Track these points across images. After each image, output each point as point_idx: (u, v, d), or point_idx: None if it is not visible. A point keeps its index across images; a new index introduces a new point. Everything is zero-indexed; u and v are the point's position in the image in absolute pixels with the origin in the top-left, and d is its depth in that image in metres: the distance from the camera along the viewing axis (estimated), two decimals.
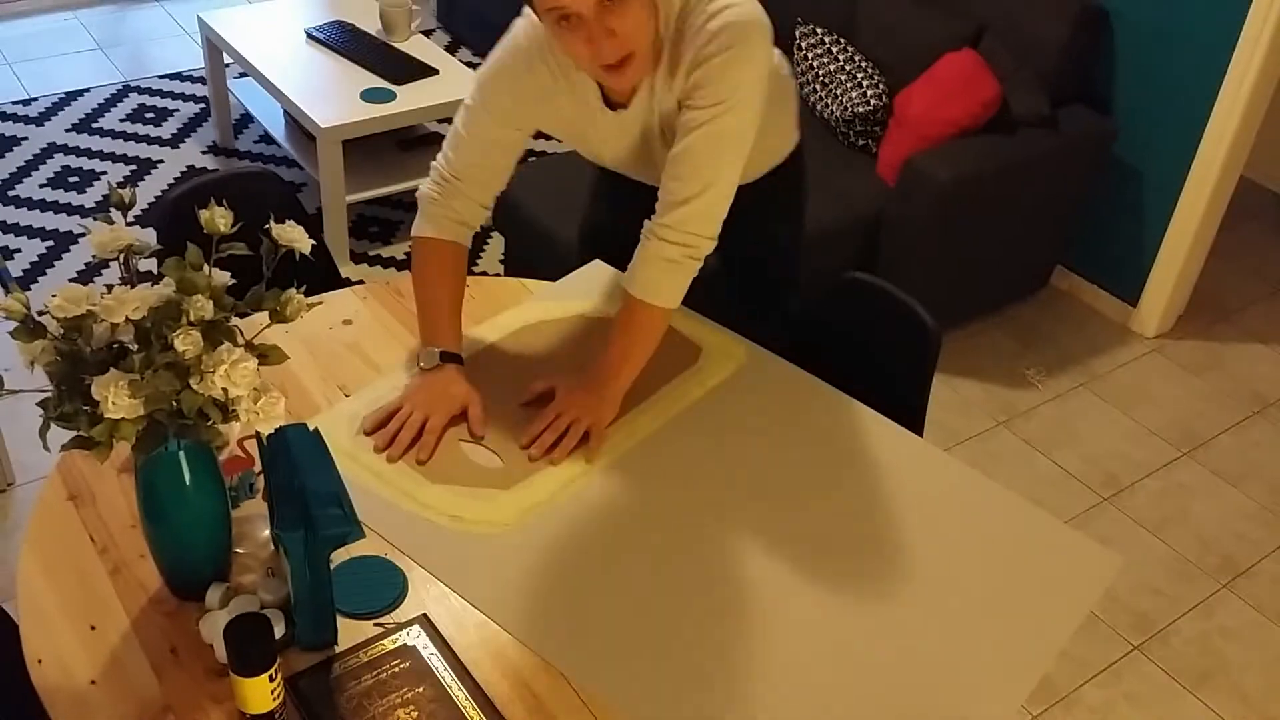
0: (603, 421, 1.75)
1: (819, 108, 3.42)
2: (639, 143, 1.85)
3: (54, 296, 1.24)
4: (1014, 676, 1.46)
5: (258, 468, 1.60)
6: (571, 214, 2.66)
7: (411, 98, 3.50)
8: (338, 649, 1.40)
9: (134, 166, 3.91)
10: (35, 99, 4.24)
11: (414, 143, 3.75)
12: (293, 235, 1.37)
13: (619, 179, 2.02)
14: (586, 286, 2.08)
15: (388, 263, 3.58)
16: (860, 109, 3.28)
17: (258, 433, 1.48)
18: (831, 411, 1.85)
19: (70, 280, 3.34)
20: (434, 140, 3.78)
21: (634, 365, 1.79)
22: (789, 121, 2.04)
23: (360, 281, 2.21)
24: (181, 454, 1.35)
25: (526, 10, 1.72)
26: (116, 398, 1.20)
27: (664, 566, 1.56)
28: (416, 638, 1.42)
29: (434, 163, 1.89)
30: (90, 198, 3.73)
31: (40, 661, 1.36)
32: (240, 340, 1.29)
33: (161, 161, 3.95)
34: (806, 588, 1.55)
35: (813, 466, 1.74)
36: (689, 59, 1.69)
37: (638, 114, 1.79)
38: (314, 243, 1.41)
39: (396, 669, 1.38)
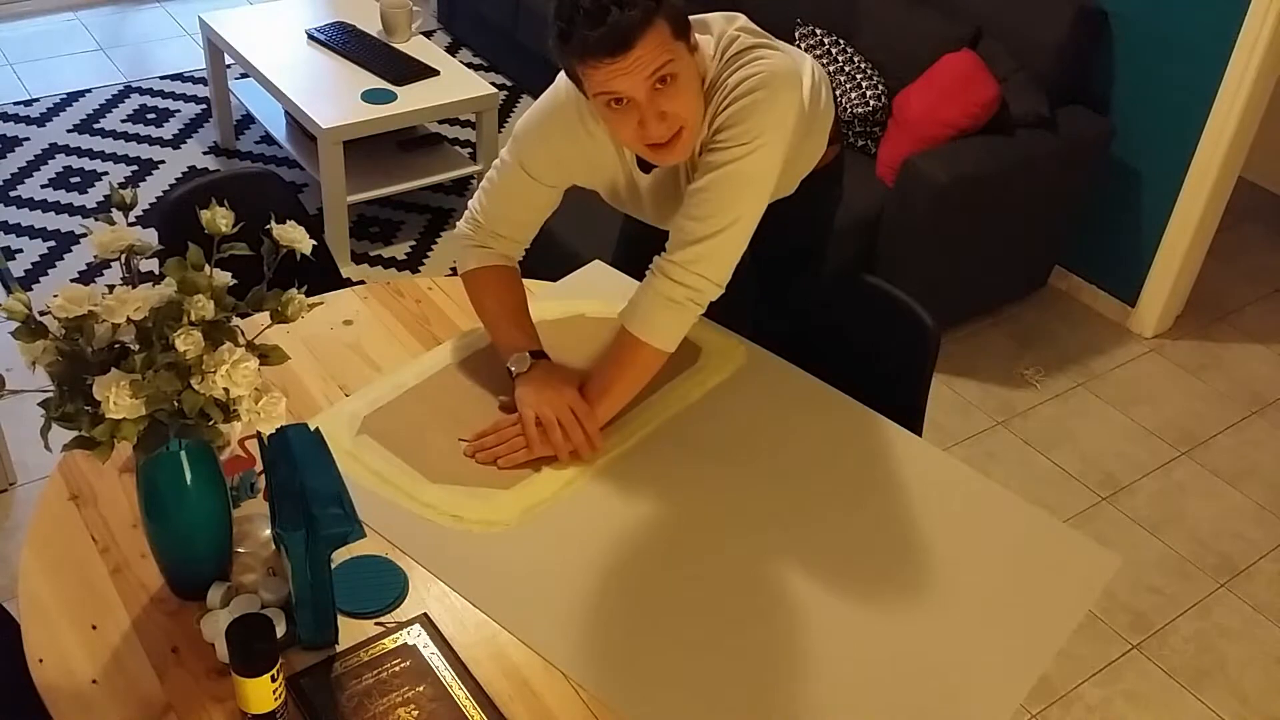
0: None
1: None
2: (668, 199, 1.84)
3: (55, 297, 1.25)
4: (1012, 676, 1.47)
5: (259, 467, 1.61)
6: (570, 215, 2.66)
7: (412, 98, 3.51)
8: (339, 648, 1.41)
9: (135, 167, 3.92)
10: (37, 99, 4.24)
11: (414, 143, 3.76)
12: (294, 235, 1.37)
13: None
14: (587, 286, 2.09)
15: (388, 263, 3.59)
16: (859, 110, 3.28)
17: (259, 432, 1.49)
18: (831, 411, 1.86)
19: (72, 280, 3.35)
20: (434, 141, 3.79)
21: (615, 400, 1.75)
22: (820, 143, 2.01)
23: (361, 282, 2.22)
24: (183, 454, 1.35)
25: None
26: (118, 398, 1.21)
27: (663, 565, 1.57)
28: (417, 637, 1.43)
29: (470, 204, 1.90)
30: (92, 198, 3.74)
31: (41, 661, 1.37)
32: (241, 340, 1.30)
33: (163, 162, 3.96)
34: (804, 586, 1.55)
35: (812, 467, 1.75)
36: (712, 110, 1.69)
37: (670, 170, 1.79)
38: (315, 243, 1.42)
39: (397, 668, 1.39)
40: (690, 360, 1.93)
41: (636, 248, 2.00)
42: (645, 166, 1.81)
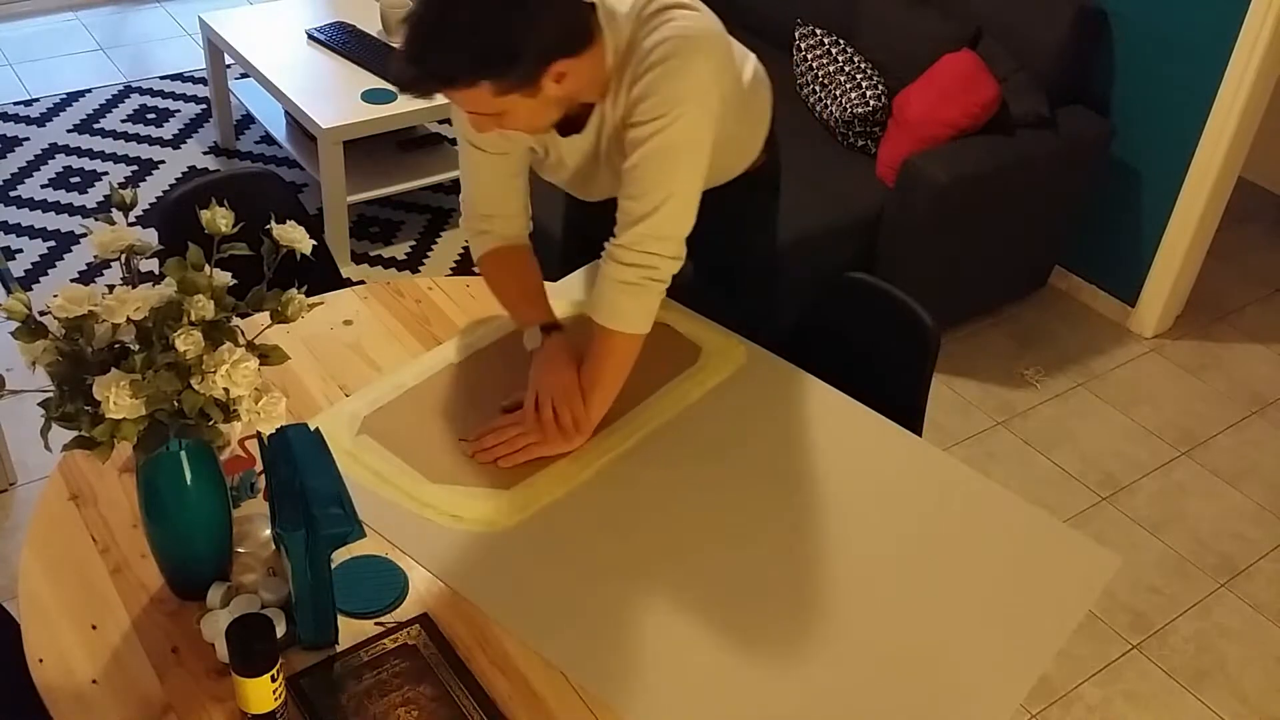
0: (560, 449, 1.72)
1: (818, 109, 3.43)
2: (588, 165, 1.83)
3: (55, 297, 1.25)
4: (1012, 676, 1.47)
5: (259, 467, 1.61)
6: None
7: (412, 99, 3.50)
8: (339, 648, 1.41)
9: (135, 167, 3.92)
10: (37, 99, 4.24)
11: (414, 143, 3.76)
12: (294, 235, 1.37)
13: None
14: (586, 286, 2.09)
15: (388, 263, 3.59)
16: (859, 110, 3.28)
17: (259, 432, 1.49)
18: (831, 412, 1.86)
19: (72, 280, 3.35)
20: (434, 141, 3.79)
21: (604, 393, 1.75)
22: (755, 135, 1.99)
23: (361, 282, 2.21)
24: (183, 454, 1.35)
25: None
26: (118, 398, 1.21)
27: (663, 565, 1.57)
28: (417, 637, 1.43)
29: (460, 198, 1.92)
30: (92, 198, 3.74)
31: (41, 661, 1.37)
32: (241, 340, 1.30)
33: (163, 162, 3.96)
34: (804, 586, 1.55)
35: (811, 467, 1.75)
36: (630, 76, 1.65)
37: (590, 138, 1.77)
38: (315, 243, 1.42)
39: (397, 668, 1.39)
40: (690, 360, 1.93)
41: (578, 230, 1.98)
42: (562, 130, 1.78)
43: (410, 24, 1.52)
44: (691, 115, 1.63)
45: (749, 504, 1.68)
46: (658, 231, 1.68)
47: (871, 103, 3.27)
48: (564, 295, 2.06)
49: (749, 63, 1.90)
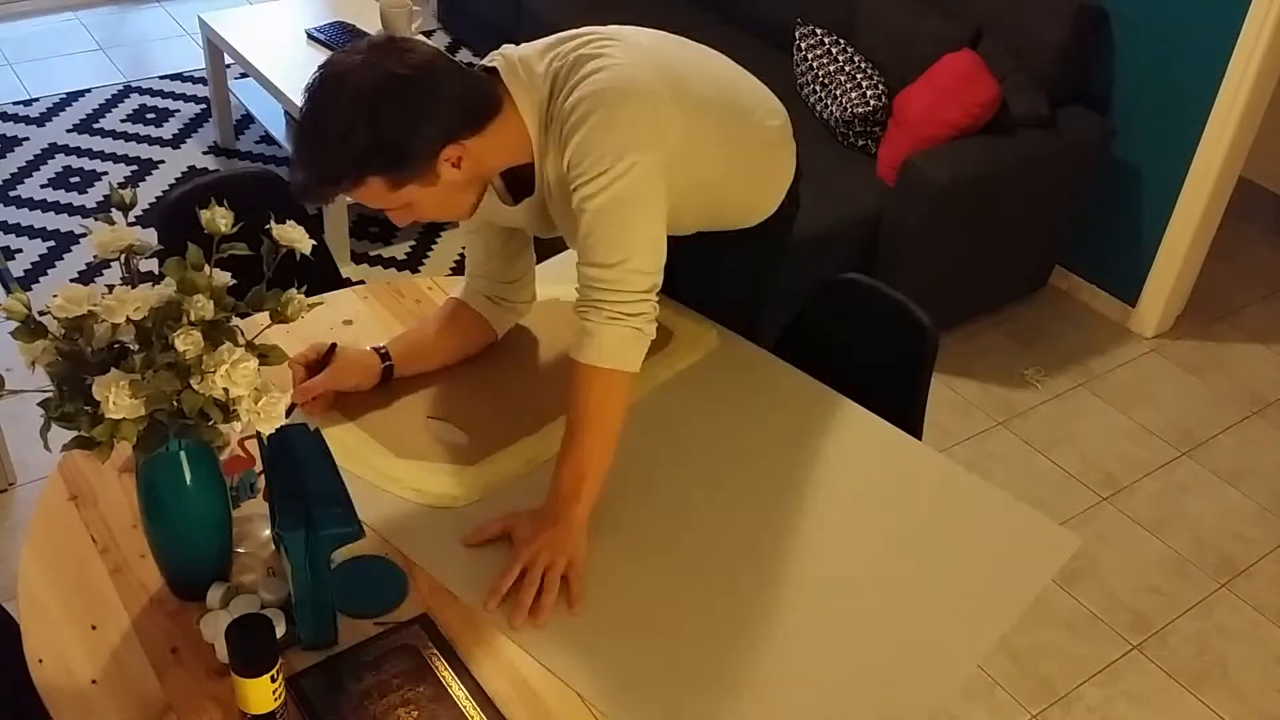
0: (578, 556, 1.52)
1: (818, 108, 3.43)
2: (540, 216, 1.74)
3: (55, 296, 1.25)
4: (975, 636, 1.47)
5: (259, 467, 1.61)
6: None
7: None
8: (338, 648, 1.41)
9: (135, 167, 3.92)
10: (36, 99, 4.24)
11: None
12: (293, 235, 1.37)
13: None
14: (568, 271, 2.07)
15: (388, 263, 3.59)
16: (859, 109, 3.28)
17: (259, 432, 1.49)
18: (827, 411, 1.86)
19: (71, 280, 3.35)
20: None
21: (594, 478, 1.55)
22: (768, 190, 1.94)
23: (361, 281, 2.22)
24: (182, 454, 1.35)
25: None
26: (117, 398, 1.21)
27: (641, 551, 1.57)
28: (417, 637, 1.43)
29: None
30: (91, 198, 3.74)
31: (41, 661, 1.37)
32: (241, 340, 1.30)
33: (162, 162, 3.95)
34: (791, 578, 1.56)
35: (806, 465, 1.75)
36: (560, 142, 1.58)
37: (538, 198, 1.70)
38: (314, 243, 1.42)
39: (397, 668, 1.39)
40: (660, 345, 1.90)
41: None
42: (516, 194, 1.72)
43: (295, 130, 1.49)
44: (628, 164, 1.54)
45: (719, 491, 1.69)
46: (627, 284, 1.57)
47: (872, 102, 3.27)
48: (543, 281, 2.02)
49: (758, 111, 1.83)
